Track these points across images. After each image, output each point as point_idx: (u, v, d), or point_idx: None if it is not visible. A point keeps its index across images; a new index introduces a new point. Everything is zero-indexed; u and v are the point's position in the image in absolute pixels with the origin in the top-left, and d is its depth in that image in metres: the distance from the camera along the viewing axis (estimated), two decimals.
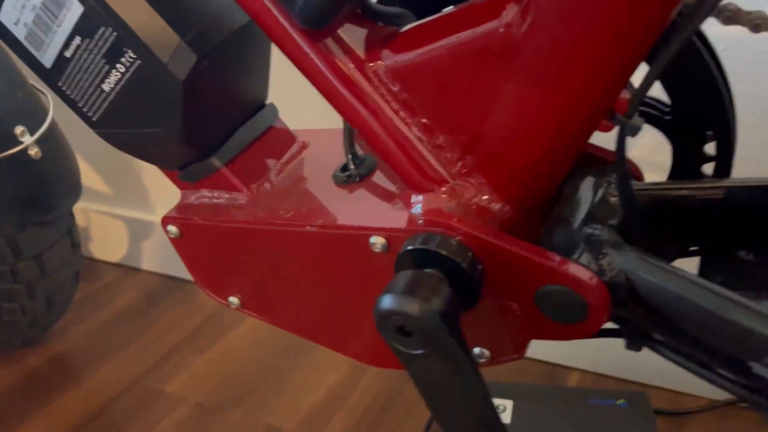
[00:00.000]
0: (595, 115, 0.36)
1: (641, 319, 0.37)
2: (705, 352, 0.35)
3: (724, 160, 0.42)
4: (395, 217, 0.41)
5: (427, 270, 0.37)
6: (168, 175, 0.53)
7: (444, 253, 0.37)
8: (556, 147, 0.38)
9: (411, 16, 0.42)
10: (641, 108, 0.45)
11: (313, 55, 0.39)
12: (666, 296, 0.34)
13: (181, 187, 0.53)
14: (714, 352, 0.34)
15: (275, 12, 0.39)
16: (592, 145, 0.43)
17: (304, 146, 0.53)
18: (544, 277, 0.36)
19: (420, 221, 0.40)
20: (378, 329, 0.37)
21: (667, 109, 0.43)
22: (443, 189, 0.40)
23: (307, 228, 0.43)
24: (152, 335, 1.08)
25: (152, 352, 1.04)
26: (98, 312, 1.15)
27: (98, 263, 1.29)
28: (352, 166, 0.47)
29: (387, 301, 0.36)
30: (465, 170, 0.40)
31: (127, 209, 1.23)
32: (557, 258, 0.36)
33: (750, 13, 0.37)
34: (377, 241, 0.41)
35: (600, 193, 0.41)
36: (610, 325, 0.40)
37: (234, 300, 0.52)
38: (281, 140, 0.52)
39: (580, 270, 0.36)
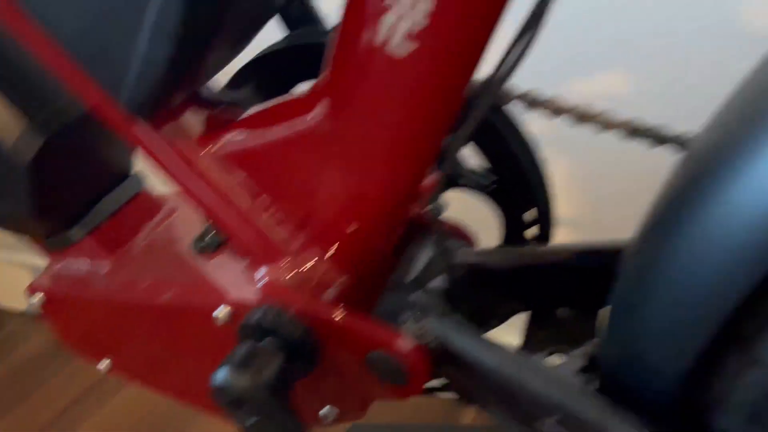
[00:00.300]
0: (408, 194, 0.40)
1: (456, 381, 0.40)
2: (510, 410, 0.38)
3: (544, 227, 0.47)
4: (238, 290, 0.43)
5: (263, 342, 0.40)
6: (36, 243, 0.54)
7: (278, 326, 0.40)
8: (379, 222, 0.41)
9: (253, 98, 0.45)
10: (475, 177, 0.48)
11: (149, 142, 0.41)
12: (472, 361, 0.38)
13: (48, 254, 0.54)
14: (515, 410, 0.37)
15: (108, 104, 0.40)
16: (426, 216, 0.47)
17: (171, 212, 0.55)
18: (369, 345, 0.39)
19: (259, 294, 0.42)
20: (214, 400, 0.39)
21: (494, 179, 0.47)
22: (283, 262, 0.43)
23: (159, 300, 0.45)
24: (56, 384, 1.07)
25: (56, 401, 1.03)
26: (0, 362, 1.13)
27: (2, 312, 1.26)
28: (209, 236, 0.49)
29: (220, 375, 0.38)
30: (303, 243, 0.43)
31: (32, 257, 1.21)
32: (380, 327, 0.39)
33: (548, 100, 0.42)
34: (221, 314, 0.43)
35: (429, 260, 0.44)
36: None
37: (104, 363, 0.53)
38: (146, 208, 0.54)
39: (398, 338, 0.39)
